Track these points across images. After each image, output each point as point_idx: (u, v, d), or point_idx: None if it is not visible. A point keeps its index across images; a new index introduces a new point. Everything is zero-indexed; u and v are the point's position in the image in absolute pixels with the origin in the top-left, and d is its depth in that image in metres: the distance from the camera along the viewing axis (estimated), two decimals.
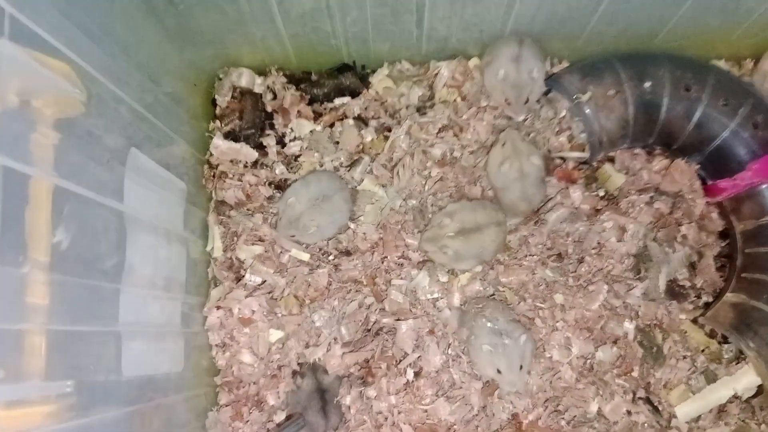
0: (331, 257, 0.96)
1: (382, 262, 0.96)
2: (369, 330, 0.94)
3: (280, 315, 0.95)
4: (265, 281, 0.96)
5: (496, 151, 0.94)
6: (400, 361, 0.93)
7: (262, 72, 1.03)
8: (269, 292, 0.96)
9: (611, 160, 0.99)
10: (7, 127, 0.52)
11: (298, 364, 0.94)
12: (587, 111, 0.93)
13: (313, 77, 1.03)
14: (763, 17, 0.92)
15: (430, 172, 0.97)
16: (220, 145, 0.97)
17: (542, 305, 0.94)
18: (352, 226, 0.97)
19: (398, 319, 0.94)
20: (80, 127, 0.64)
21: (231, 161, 0.99)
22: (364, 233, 0.97)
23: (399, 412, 0.92)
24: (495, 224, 0.91)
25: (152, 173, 0.80)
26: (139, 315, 0.75)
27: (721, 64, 1.03)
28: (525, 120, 0.98)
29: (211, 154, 0.99)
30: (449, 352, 0.93)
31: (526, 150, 0.93)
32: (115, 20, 0.74)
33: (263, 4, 0.84)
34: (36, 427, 0.56)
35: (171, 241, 0.85)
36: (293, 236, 0.95)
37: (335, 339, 0.94)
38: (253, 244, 0.97)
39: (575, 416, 0.92)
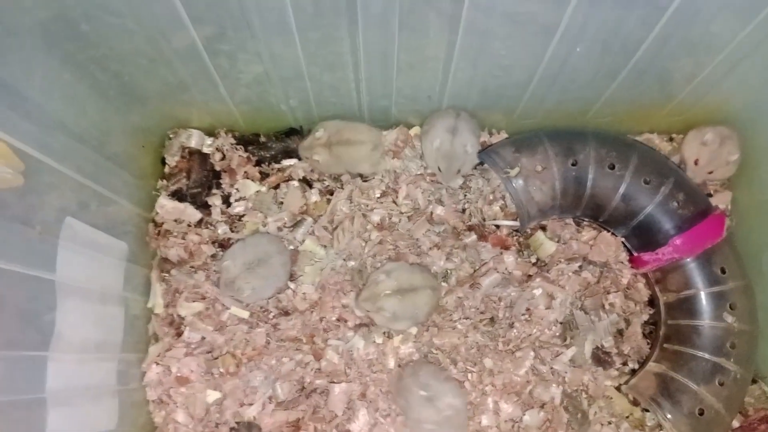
0: (270, 316, 0.99)
1: (321, 322, 0.99)
2: (303, 389, 0.96)
3: (217, 375, 0.97)
4: (204, 338, 0.98)
5: None
6: (330, 421, 0.95)
7: (211, 133, 1.06)
8: (208, 351, 0.98)
9: (543, 228, 1.04)
10: None
11: (236, 422, 0.96)
12: (517, 184, 0.97)
13: (261, 139, 1.06)
14: (687, 98, 0.98)
15: (369, 235, 1.01)
16: (165, 204, 1.00)
17: (473, 369, 0.97)
18: (292, 285, 1.00)
19: (332, 381, 0.96)
20: (10, 201, 0.66)
21: (175, 220, 1.01)
22: (304, 293, 0.99)
23: None
24: (430, 288, 0.95)
25: (89, 239, 0.83)
26: (69, 380, 0.76)
27: (653, 137, 1.08)
28: (457, 188, 1.03)
29: (157, 213, 1.02)
30: (377, 417, 0.95)
31: None
32: (53, 96, 0.77)
33: (205, 72, 0.88)
34: None
35: (107, 302, 0.87)
36: (233, 295, 0.97)
37: (270, 398, 0.96)
38: (194, 301, 0.99)
39: None
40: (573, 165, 0.95)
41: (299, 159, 1.05)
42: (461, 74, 0.90)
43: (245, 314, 0.99)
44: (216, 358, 0.98)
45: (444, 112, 1.00)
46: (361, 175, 1.04)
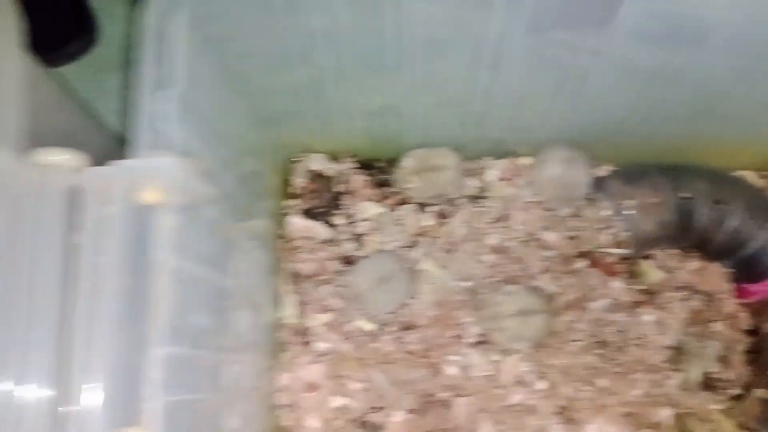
0: (393, 329, 1.05)
1: (438, 339, 1.04)
2: (428, 401, 1.01)
3: (343, 382, 1.02)
4: (331, 347, 1.04)
5: None
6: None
7: (334, 157, 1.14)
8: (335, 360, 1.03)
9: (650, 257, 1.09)
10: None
11: (362, 423, 1.01)
12: (629, 214, 1.04)
13: (380, 164, 1.14)
14: None
15: (483, 258, 1.07)
16: (296, 222, 1.08)
17: (586, 388, 1.01)
18: (412, 302, 1.06)
19: (455, 395, 1.01)
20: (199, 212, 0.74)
21: (305, 237, 1.09)
22: (423, 310, 1.05)
23: None
24: (547, 311, 1.00)
25: (247, 246, 0.90)
26: (232, 380, 0.82)
27: (746, 173, 1.15)
28: (568, 216, 1.09)
29: (286, 229, 1.09)
30: (498, 427, 1.00)
31: None
32: (221, 120, 0.85)
33: (326, 103, 0.96)
34: None
35: (255, 309, 0.94)
36: (359, 308, 1.03)
37: (397, 406, 1.01)
38: (322, 313, 1.05)
39: None
40: (683, 198, 1.02)
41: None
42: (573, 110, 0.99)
43: (370, 326, 1.05)
44: (341, 366, 1.03)
45: (558, 144, 1.07)
46: (445, 197, 1.11)
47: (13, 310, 0.59)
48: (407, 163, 1.09)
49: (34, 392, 0.59)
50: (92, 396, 0.59)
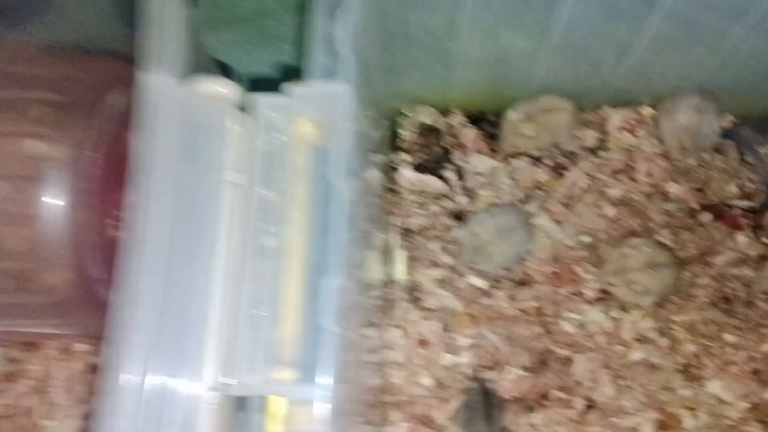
0: (508, 286, 1.03)
1: (554, 295, 1.02)
2: (544, 359, 1.00)
3: (454, 338, 1.01)
4: (442, 303, 1.02)
5: None
6: (573, 391, 0.98)
7: (443, 111, 1.10)
8: (446, 317, 1.02)
9: None
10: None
11: (470, 378, 1.00)
12: (762, 161, 0.98)
13: (491, 118, 1.10)
14: None
15: (604, 212, 1.03)
16: (408, 175, 1.05)
17: (711, 344, 0.98)
18: (527, 258, 1.03)
19: (574, 351, 0.99)
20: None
21: (415, 191, 1.06)
22: (538, 266, 1.03)
23: None
24: (674, 263, 0.97)
25: (367, 189, 0.88)
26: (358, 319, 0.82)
27: None
28: (694, 167, 1.04)
29: (397, 183, 1.06)
30: (620, 383, 0.98)
31: None
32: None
33: (439, 53, 0.92)
34: None
35: (370, 256, 0.93)
36: (474, 263, 1.01)
37: (511, 363, 1.00)
38: (432, 269, 1.04)
39: None
40: None
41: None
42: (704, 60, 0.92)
43: (483, 283, 1.03)
44: (452, 323, 1.02)
45: (689, 92, 1.01)
46: (560, 149, 1.07)
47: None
48: (519, 109, 1.04)
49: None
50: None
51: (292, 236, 0.62)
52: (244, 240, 0.63)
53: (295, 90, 0.63)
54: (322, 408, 0.56)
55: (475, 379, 1.00)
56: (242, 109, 0.68)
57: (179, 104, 0.62)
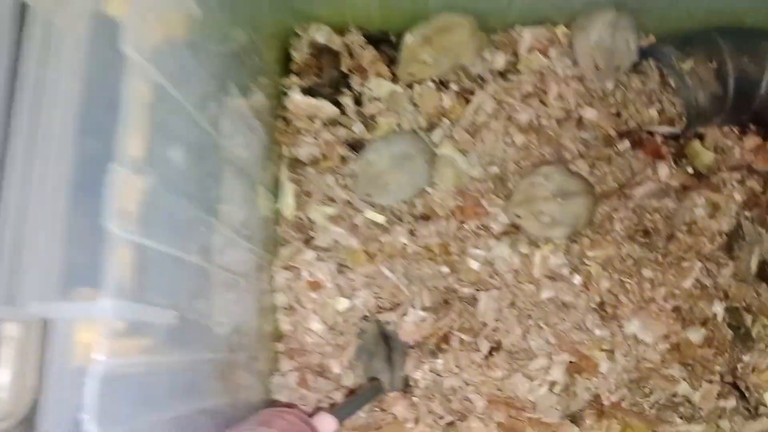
0: (408, 221, 0.92)
1: (459, 231, 0.92)
2: (448, 299, 0.90)
3: (350, 280, 0.91)
4: (336, 242, 0.92)
5: None
6: (478, 333, 0.88)
7: (340, 30, 0.99)
8: (341, 257, 0.91)
9: (700, 137, 0.96)
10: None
11: (364, 317, 0.90)
12: (685, 82, 0.90)
13: (392, 38, 0.99)
14: None
15: (513, 139, 0.94)
16: (297, 100, 0.94)
17: (628, 280, 0.90)
18: (430, 190, 0.93)
19: (478, 289, 0.89)
20: (191, 44, 0.60)
21: (308, 117, 0.95)
22: (441, 199, 0.93)
23: (469, 385, 0.88)
24: (587, 192, 0.88)
25: (242, 113, 0.77)
26: (224, 257, 0.71)
27: None
28: (610, 90, 0.95)
29: (287, 109, 0.95)
30: (529, 323, 0.89)
31: None
32: None
33: None
34: (130, 362, 0.50)
35: (251, 186, 0.81)
36: (369, 195, 0.91)
37: (412, 304, 0.89)
38: (325, 205, 0.93)
39: (660, 399, 0.88)
40: (749, 61, 0.87)
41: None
42: None
43: (380, 218, 0.92)
44: (346, 263, 0.91)
45: (603, 7, 0.92)
46: (467, 73, 0.97)
47: None
48: (416, 32, 0.93)
49: None
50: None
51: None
52: None
53: None
54: (112, 325, 0.45)
55: (376, 321, 0.90)
56: None
57: None
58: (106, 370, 0.42)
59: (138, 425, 0.47)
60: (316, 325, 0.90)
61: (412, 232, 0.92)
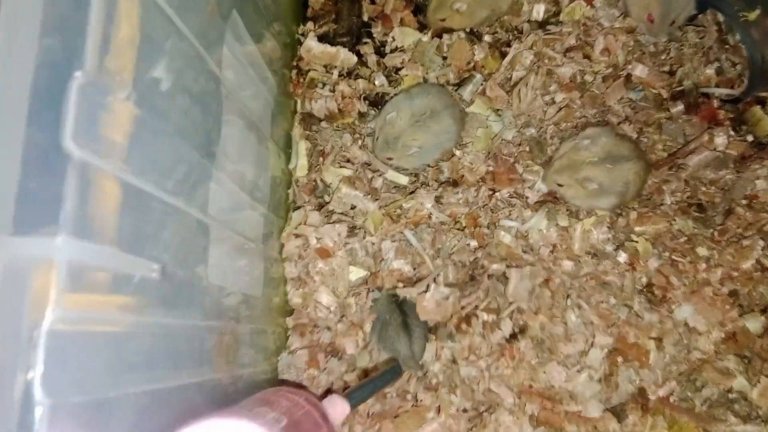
0: (433, 186, 0.82)
1: (490, 199, 0.82)
2: (475, 274, 0.80)
3: (367, 246, 0.81)
4: (353, 206, 0.82)
5: None
6: (503, 313, 0.78)
7: None
8: (356, 222, 0.81)
9: (762, 102, 0.85)
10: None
11: (377, 288, 0.80)
12: (750, 36, 0.79)
13: None
14: None
15: (553, 98, 0.83)
16: (313, 47, 0.84)
17: (680, 259, 0.79)
18: (458, 153, 0.83)
19: (509, 266, 0.79)
20: None
21: (324, 67, 0.85)
22: (471, 163, 0.83)
23: (493, 374, 0.78)
24: (638, 157, 0.77)
25: (248, 53, 0.67)
26: (226, 214, 0.61)
27: None
28: (663, 43, 0.85)
29: (301, 58, 0.85)
30: (567, 303, 0.79)
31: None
32: None
33: None
34: (100, 319, 0.40)
35: (261, 141, 0.71)
36: (390, 159, 0.81)
37: (434, 279, 0.79)
38: (341, 166, 0.83)
39: (713, 395, 0.77)
40: None
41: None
42: None
43: (404, 179, 0.82)
44: (365, 223, 0.81)
45: None
46: (502, 23, 0.87)
47: None
48: None
49: None
50: None
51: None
52: None
53: None
54: (74, 271, 0.35)
55: (392, 294, 0.79)
56: None
57: None
58: (63, 325, 0.32)
59: (104, 394, 0.37)
60: (327, 298, 0.81)
61: (438, 200, 0.82)
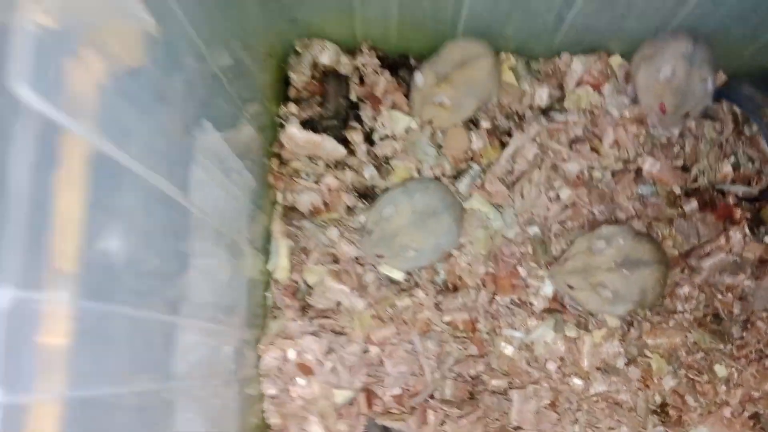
0: (429, 291, 0.74)
1: (490, 305, 0.75)
2: (475, 391, 0.72)
3: (353, 356, 0.73)
4: (339, 303, 0.73)
5: None
6: None
7: (349, 49, 0.81)
8: (343, 325, 0.73)
9: None
10: (39, 52, 0.29)
11: (369, 424, 0.72)
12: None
13: (412, 62, 0.82)
14: None
15: (558, 194, 0.76)
16: (296, 134, 0.75)
17: (697, 378, 0.73)
18: (455, 253, 0.75)
19: (512, 385, 0.72)
20: (144, 76, 0.42)
21: (308, 157, 0.77)
22: (470, 264, 0.75)
23: None
24: (659, 262, 0.71)
25: (223, 159, 0.58)
26: (192, 360, 0.52)
27: None
28: (676, 137, 0.79)
29: (282, 146, 0.77)
30: (576, 429, 0.71)
31: None
32: None
33: None
34: None
35: (236, 255, 0.63)
36: (381, 257, 0.73)
37: (430, 396, 0.71)
38: (325, 265, 0.75)
39: None
40: None
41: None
42: None
43: (398, 275, 0.74)
44: (353, 324, 0.73)
45: (676, 33, 0.74)
46: (502, 108, 0.80)
47: None
48: (427, 70, 0.75)
49: None
50: None
51: None
52: None
53: None
54: None
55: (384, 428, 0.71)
56: None
57: None
58: None
59: None
60: (315, 427, 0.72)
61: (438, 305, 0.74)
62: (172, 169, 0.47)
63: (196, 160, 0.52)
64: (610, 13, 0.73)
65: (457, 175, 0.78)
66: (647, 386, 0.73)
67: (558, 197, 0.76)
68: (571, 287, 0.70)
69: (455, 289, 0.75)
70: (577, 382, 0.72)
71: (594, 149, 0.77)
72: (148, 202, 0.42)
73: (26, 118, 0.28)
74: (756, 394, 0.72)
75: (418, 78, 0.76)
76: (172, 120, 0.47)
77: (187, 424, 0.50)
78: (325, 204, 0.76)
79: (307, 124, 0.77)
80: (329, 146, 0.76)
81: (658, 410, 0.72)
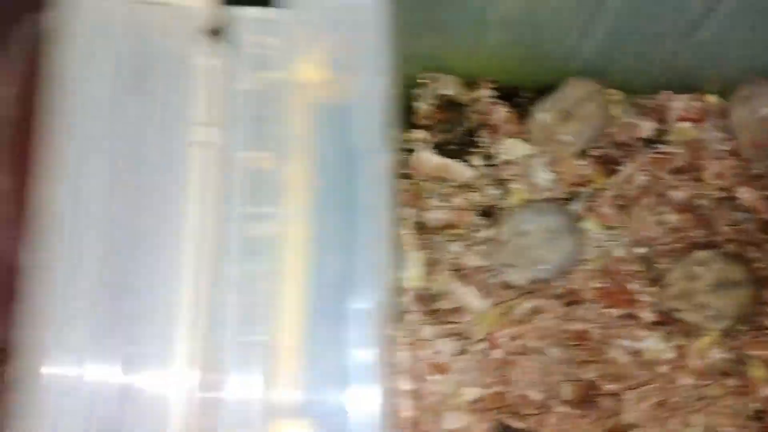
0: (550, 302, 0.82)
1: (604, 316, 0.82)
2: (590, 394, 0.79)
3: (478, 362, 0.80)
4: (466, 307, 0.81)
5: None
6: None
7: (469, 83, 0.90)
8: (467, 329, 0.80)
9: None
10: None
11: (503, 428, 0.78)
12: None
13: (527, 94, 0.90)
14: None
15: (665, 219, 0.84)
16: (428, 158, 0.83)
17: None
18: (574, 269, 0.83)
19: (625, 387, 0.79)
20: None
21: (436, 178, 0.85)
22: (586, 280, 0.83)
23: None
24: (749, 281, 0.79)
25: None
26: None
27: None
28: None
29: (413, 168, 0.85)
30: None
31: None
32: None
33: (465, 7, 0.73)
34: None
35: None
36: (510, 266, 0.81)
37: (551, 398, 0.78)
38: (453, 273, 0.82)
39: None
40: None
41: None
42: None
43: (523, 283, 0.82)
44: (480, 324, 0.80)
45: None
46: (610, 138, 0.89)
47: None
48: (548, 107, 0.85)
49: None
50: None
51: (297, 222, 0.40)
52: (222, 228, 0.41)
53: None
54: None
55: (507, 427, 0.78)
56: (216, 32, 0.46)
57: (122, 25, 0.40)
58: None
59: None
60: (446, 421, 0.78)
61: (564, 316, 0.81)
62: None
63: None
64: (710, 62, 0.83)
65: (570, 199, 0.86)
66: (748, 394, 0.80)
67: (664, 222, 0.84)
68: (677, 310, 0.79)
69: (573, 302, 0.82)
70: (687, 382, 0.79)
71: (695, 179, 0.86)
72: None
73: None
74: None
75: (540, 115, 0.85)
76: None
77: None
78: (452, 221, 0.84)
79: (437, 148, 0.85)
80: (457, 169, 0.84)
81: (759, 414, 0.79)
